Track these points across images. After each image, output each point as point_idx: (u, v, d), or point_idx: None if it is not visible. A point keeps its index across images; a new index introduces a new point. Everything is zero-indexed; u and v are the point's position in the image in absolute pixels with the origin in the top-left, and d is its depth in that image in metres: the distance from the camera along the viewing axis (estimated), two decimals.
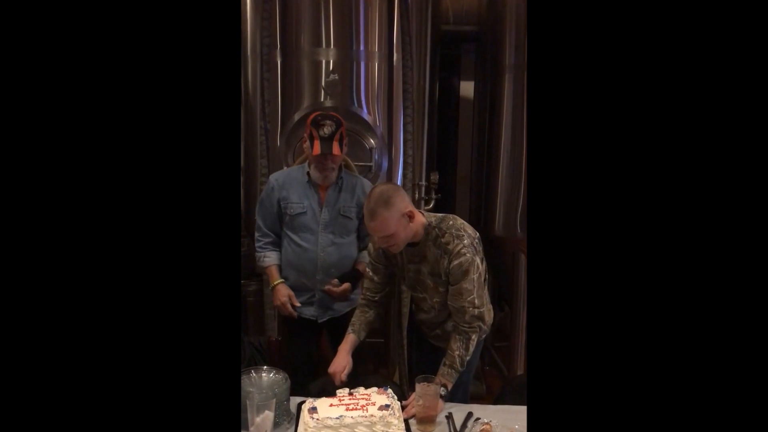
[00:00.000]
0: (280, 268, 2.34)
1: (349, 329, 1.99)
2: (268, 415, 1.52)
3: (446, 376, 1.77)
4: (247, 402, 1.51)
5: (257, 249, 2.36)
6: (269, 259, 2.33)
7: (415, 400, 1.68)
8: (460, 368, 1.79)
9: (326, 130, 2.10)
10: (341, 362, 1.90)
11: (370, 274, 2.03)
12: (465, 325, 1.81)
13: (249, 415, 1.50)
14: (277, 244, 2.35)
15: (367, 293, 2.03)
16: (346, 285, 2.24)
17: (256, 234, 2.36)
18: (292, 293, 2.29)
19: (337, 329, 2.25)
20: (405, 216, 1.76)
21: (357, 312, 2.03)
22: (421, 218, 1.84)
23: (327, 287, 2.25)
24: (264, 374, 1.75)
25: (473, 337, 1.81)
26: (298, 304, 2.28)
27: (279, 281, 2.31)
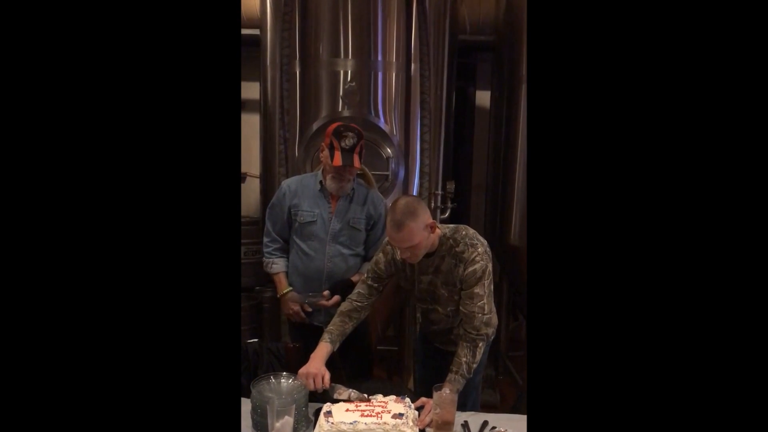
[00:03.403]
0: (287, 275, 2.35)
1: (326, 337, 1.91)
2: (288, 421, 1.54)
3: (453, 383, 1.79)
4: (267, 407, 1.54)
5: (265, 254, 2.37)
6: (277, 266, 2.34)
7: (432, 407, 1.70)
8: (467, 375, 1.81)
9: (348, 142, 2.11)
10: (317, 367, 1.81)
11: (369, 281, 1.99)
12: (473, 331, 1.83)
13: (269, 421, 1.53)
14: (285, 250, 2.36)
15: (355, 301, 1.98)
16: (336, 298, 2.22)
17: (265, 239, 2.37)
18: (299, 301, 2.29)
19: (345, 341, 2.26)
20: (427, 227, 1.79)
21: (337, 320, 1.96)
22: (438, 230, 1.87)
23: (321, 302, 2.22)
24: (283, 380, 1.78)
25: (480, 344, 1.84)
26: (310, 310, 2.29)
27: (288, 290, 2.32)
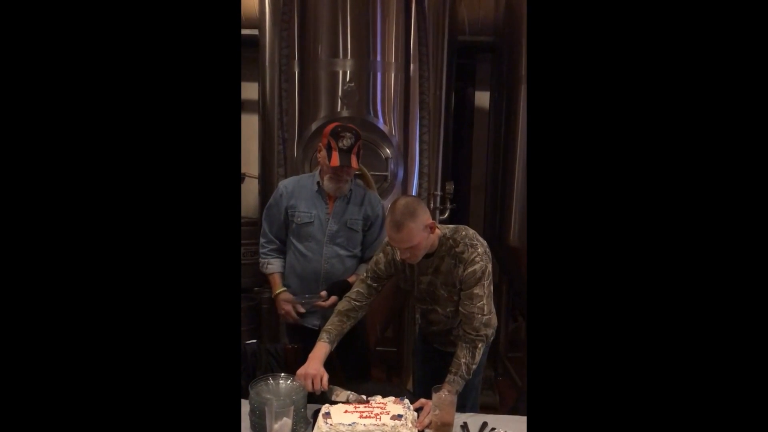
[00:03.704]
0: (283, 275, 2.33)
1: (324, 337, 1.89)
2: (286, 422, 1.53)
3: (452, 384, 1.78)
4: (266, 409, 1.53)
5: (261, 255, 2.35)
6: (272, 266, 2.32)
7: (432, 409, 1.70)
8: (466, 376, 1.81)
9: (345, 142, 2.10)
10: (317, 368, 1.80)
11: (368, 281, 1.98)
12: (473, 332, 1.83)
13: (267, 422, 1.52)
14: (281, 251, 2.34)
15: (354, 300, 1.97)
16: (333, 298, 2.19)
17: (261, 240, 2.35)
18: (291, 301, 2.27)
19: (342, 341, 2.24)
20: (427, 228, 1.79)
21: (335, 320, 1.94)
22: (438, 231, 1.87)
23: (318, 302, 2.19)
24: (281, 381, 1.77)
25: (480, 345, 1.84)
26: (303, 311, 2.26)
27: (281, 290, 2.30)
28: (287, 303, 2.28)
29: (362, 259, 2.32)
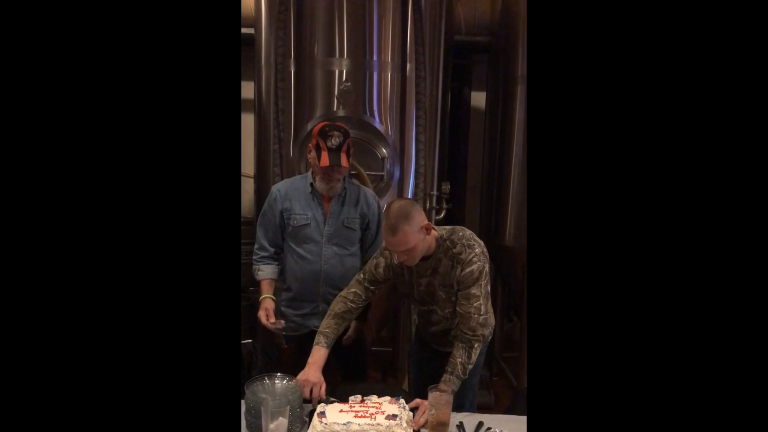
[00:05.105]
0: (274, 282, 2.29)
1: (322, 341, 1.91)
2: (282, 422, 1.53)
3: (448, 384, 1.78)
4: (261, 408, 1.53)
5: (254, 261, 2.31)
6: (263, 272, 2.29)
7: (427, 408, 1.70)
8: (462, 376, 1.81)
9: (334, 141, 2.07)
10: (317, 376, 1.84)
11: (366, 283, 1.98)
12: (469, 332, 1.83)
13: (263, 422, 1.52)
14: (274, 258, 2.31)
15: (351, 302, 1.97)
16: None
17: (255, 246, 2.32)
18: (270, 309, 2.22)
19: (338, 340, 2.22)
20: (423, 230, 1.79)
21: (331, 322, 1.95)
22: (434, 232, 1.87)
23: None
24: (277, 381, 1.77)
25: (476, 345, 1.84)
26: (273, 320, 2.20)
27: (266, 296, 2.25)
28: (266, 309, 2.22)
29: (362, 259, 2.30)
